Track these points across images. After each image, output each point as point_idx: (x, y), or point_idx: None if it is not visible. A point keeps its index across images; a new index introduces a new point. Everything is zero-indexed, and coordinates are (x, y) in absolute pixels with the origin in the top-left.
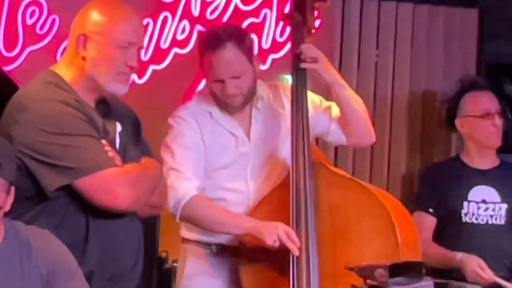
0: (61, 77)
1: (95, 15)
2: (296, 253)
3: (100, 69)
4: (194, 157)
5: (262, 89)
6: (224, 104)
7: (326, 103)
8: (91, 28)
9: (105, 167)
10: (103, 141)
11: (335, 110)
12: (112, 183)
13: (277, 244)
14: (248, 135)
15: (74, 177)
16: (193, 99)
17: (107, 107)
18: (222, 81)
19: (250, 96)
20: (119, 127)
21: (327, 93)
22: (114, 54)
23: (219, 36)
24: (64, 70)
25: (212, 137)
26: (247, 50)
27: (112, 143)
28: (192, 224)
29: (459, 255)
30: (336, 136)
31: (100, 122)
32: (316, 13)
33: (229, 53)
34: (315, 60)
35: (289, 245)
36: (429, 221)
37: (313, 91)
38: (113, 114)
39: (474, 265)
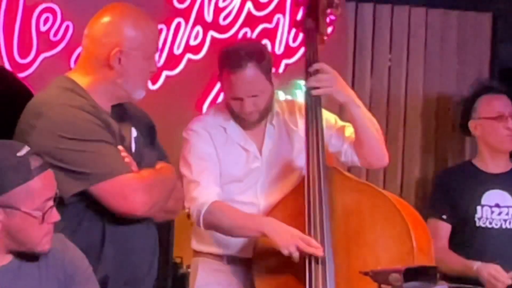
0: (77, 83)
1: (130, 31)
2: (321, 253)
3: (134, 80)
4: (209, 166)
5: (279, 105)
6: (240, 119)
7: (340, 123)
8: (128, 44)
9: (121, 172)
10: (120, 147)
11: (350, 131)
12: (128, 189)
13: (295, 255)
14: (260, 150)
15: (91, 183)
16: (209, 113)
17: (122, 112)
18: (241, 99)
19: (266, 113)
20: (134, 132)
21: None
22: (145, 65)
23: (240, 55)
24: (80, 76)
25: (225, 150)
26: (267, 69)
27: (128, 149)
28: (217, 231)
29: (477, 265)
30: (348, 156)
31: (116, 128)
32: (328, 20)
33: (250, 73)
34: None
35: (311, 251)
36: (444, 228)
37: (326, 107)
38: (129, 119)
39: (491, 269)
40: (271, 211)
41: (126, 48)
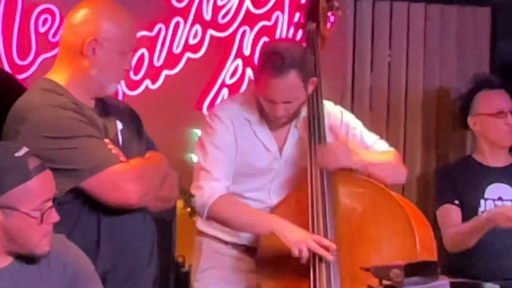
0: (56, 83)
1: (107, 23)
2: (331, 258)
3: (107, 72)
4: (225, 158)
5: (306, 110)
6: (267, 118)
7: (367, 136)
8: (104, 35)
9: (110, 164)
10: (106, 140)
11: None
12: (119, 180)
13: (305, 254)
14: (281, 151)
15: (81, 179)
16: (236, 101)
17: (105, 106)
18: (274, 102)
19: (294, 117)
20: (119, 125)
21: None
22: (119, 60)
23: (284, 61)
24: (58, 75)
25: (246, 145)
26: (306, 76)
27: (114, 141)
28: (219, 224)
29: (483, 214)
30: None
31: (100, 122)
32: (329, 24)
33: (290, 81)
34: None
35: (322, 253)
36: (456, 213)
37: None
38: (112, 112)
39: (501, 208)
40: (275, 209)
41: (101, 38)
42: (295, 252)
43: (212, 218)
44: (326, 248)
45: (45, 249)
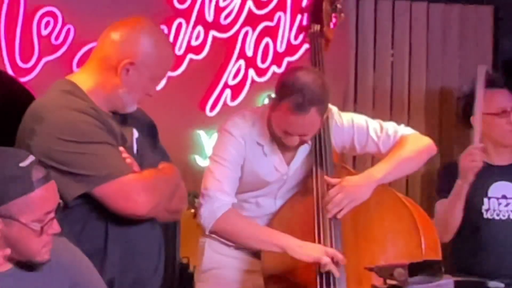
0: (77, 86)
1: (148, 48)
2: (338, 275)
3: (134, 95)
4: (234, 176)
5: None
6: (279, 142)
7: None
8: (142, 59)
9: (123, 173)
10: (120, 148)
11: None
12: (130, 190)
13: (325, 260)
14: (289, 165)
15: (93, 185)
16: (248, 120)
17: (123, 114)
18: (291, 135)
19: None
20: (136, 134)
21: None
22: (148, 85)
23: (305, 98)
24: (83, 80)
25: (255, 166)
26: (325, 110)
27: (129, 150)
28: (222, 238)
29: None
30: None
31: (117, 129)
32: (332, 25)
33: (310, 118)
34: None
35: (333, 270)
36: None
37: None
38: (130, 120)
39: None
40: (279, 211)
41: (138, 62)
42: (314, 258)
43: (217, 230)
44: (337, 263)
45: (45, 258)
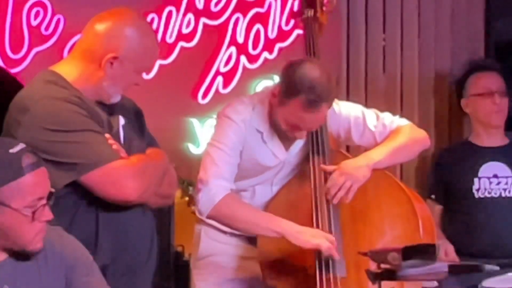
0: (60, 76)
1: (132, 43)
2: (338, 258)
3: (118, 87)
4: (233, 162)
5: None
6: (279, 130)
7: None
8: (126, 54)
9: (110, 160)
10: (106, 135)
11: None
12: (118, 176)
13: (325, 245)
14: (287, 151)
15: (80, 173)
16: (249, 106)
17: None
18: (300, 129)
19: None
20: (122, 120)
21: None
22: (133, 77)
23: (317, 96)
24: (67, 70)
25: (254, 152)
26: (332, 102)
27: (116, 137)
28: (220, 223)
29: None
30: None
31: (103, 116)
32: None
33: (321, 115)
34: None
35: (333, 253)
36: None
37: None
38: (116, 108)
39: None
40: (275, 195)
41: (122, 56)
42: (313, 244)
43: (215, 215)
44: (336, 249)
45: (38, 246)
